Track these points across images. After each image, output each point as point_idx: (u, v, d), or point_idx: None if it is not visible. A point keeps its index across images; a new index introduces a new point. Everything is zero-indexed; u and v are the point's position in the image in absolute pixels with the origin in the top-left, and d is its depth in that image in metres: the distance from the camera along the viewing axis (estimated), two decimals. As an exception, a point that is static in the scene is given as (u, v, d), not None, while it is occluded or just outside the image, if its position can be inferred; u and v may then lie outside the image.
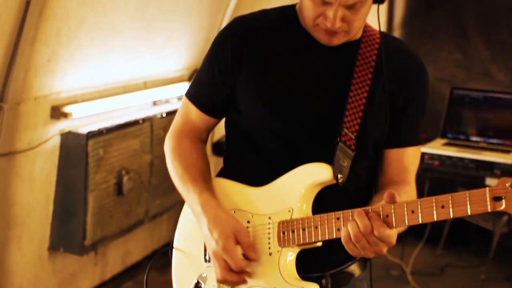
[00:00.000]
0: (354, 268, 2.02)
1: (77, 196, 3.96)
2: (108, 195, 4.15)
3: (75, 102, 3.95)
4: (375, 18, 1.94)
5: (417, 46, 5.79)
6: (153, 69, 4.71)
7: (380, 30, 1.97)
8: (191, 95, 2.07)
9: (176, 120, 2.12)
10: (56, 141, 3.92)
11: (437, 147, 4.58)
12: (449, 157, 4.25)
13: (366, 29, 1.98)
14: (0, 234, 3.68)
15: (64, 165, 3.96)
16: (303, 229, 1.82)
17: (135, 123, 4.33)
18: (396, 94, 1.92)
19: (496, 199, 1.55)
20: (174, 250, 2.11)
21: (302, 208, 1.86)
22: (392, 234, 1.68)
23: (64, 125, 3.93)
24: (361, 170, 1.96)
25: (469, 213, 1.57)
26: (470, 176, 4.58)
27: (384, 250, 1.71)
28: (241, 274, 1.87)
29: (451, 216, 1.59)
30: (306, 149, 1.91)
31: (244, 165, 2.01)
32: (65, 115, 3.84)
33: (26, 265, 3.92)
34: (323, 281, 1.94)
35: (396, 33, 5.87)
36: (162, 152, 2.18)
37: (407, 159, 1.97)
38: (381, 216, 1.68)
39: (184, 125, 2.09)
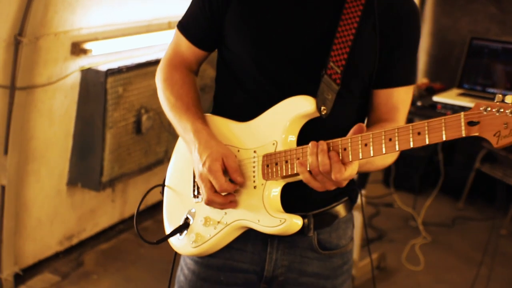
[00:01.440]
0: (339, 209, 2.02)
1: (96, 132, 4.01)
2: (126, 132, 4.19)
3: (96, 39, 3.97)
4: None
5: (453, -1, 5.70)
6: (177, 9, 4.68)
7: None
8: (182, 26, 2.07)
9: (167, 52, 2.11)
10: (76, 77, 3.96)
11: (451, 97, 4.47)
12: (462, 107, 4.14)
13: None
14: (19, 167, 3.74)
15: (84, 101, 4.00)
16: (286, 161, 1.82)
17: (156, 62, 4.31)
18: (387, 34, 1.90)
19: (471, 123, 1.53)
20: (165, 188, 2.14)
21: (286, 140, 1.86)
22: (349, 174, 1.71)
23: (84, 62, 3.96)
24: (347, 106, 1.95)
25: (444, 139, 1.56)
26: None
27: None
28: (227, 196, 1.88)
29: (427, 142, 1.58)
30: (291, 83, 1.90)
31: (232, 102, 2.01)
32: (84, 52, 3.86)
33: (44, 199, 4.00)
34: (305, 220, 1.94)
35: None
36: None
37: (397, 98, 1.96)
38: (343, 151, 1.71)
39: (175, 56, 2.09)
